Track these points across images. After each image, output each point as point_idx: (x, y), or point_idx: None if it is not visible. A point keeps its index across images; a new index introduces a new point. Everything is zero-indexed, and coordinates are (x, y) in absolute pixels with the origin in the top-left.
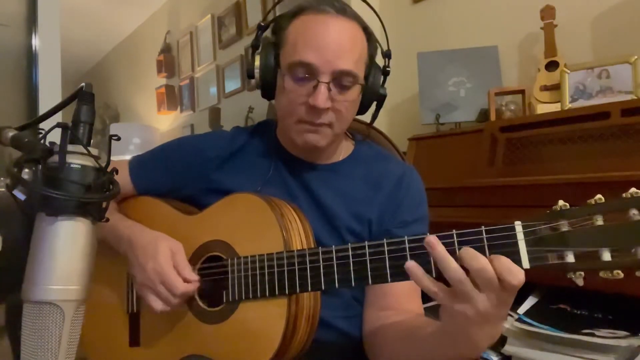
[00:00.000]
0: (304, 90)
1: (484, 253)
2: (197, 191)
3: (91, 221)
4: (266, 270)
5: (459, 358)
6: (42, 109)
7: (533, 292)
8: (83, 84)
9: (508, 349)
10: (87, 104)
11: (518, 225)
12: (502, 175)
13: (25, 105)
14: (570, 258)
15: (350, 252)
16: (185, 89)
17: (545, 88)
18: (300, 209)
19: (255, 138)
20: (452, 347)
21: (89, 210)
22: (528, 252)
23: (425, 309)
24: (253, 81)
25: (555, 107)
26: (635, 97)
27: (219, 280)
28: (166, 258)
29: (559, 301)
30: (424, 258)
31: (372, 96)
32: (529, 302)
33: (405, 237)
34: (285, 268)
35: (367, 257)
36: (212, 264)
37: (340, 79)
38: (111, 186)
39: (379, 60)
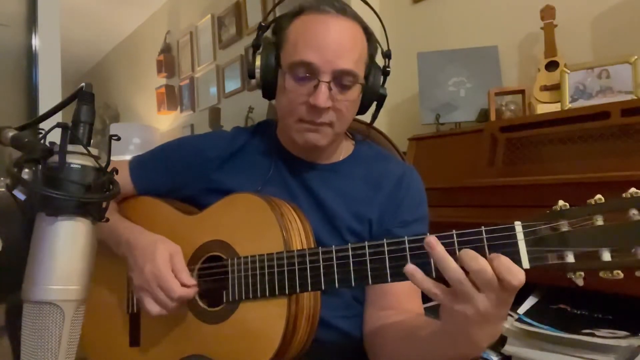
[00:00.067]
0: (304, 89)
1: (483, 253)
2: (197, 191)
3: (91, 221)
4: (266, 270)
5: (459, 358)
6: (42, 109)
7: (533, 292)
8: (83, 84)
9: (508, 349)
10: (87, 104)
11: (518, 226)
12: (502, 175)
13: (25, 105)
14: (570, 258)
15: (350, 252)
16: (185, 89)
17: (545, 88)
18: (300, 209)
19: (255, 138)
20: (452, 347)
21: (89, 210)
22: (528, 252)
23: (425, 309)
24: (253, 81)
25: (555, 107)
26: (635, 97)
27: (219, 280)
28: (164, 261)
29: (559, 301)
30: (424, 258)
31: (372, 96)
32: (529, 302)
33: (405, 237)
34: (285, 268)
35: (367, 257)
36: (212, 264)
37: (340, 79)
38: (111, 186)
39: (379, 61)
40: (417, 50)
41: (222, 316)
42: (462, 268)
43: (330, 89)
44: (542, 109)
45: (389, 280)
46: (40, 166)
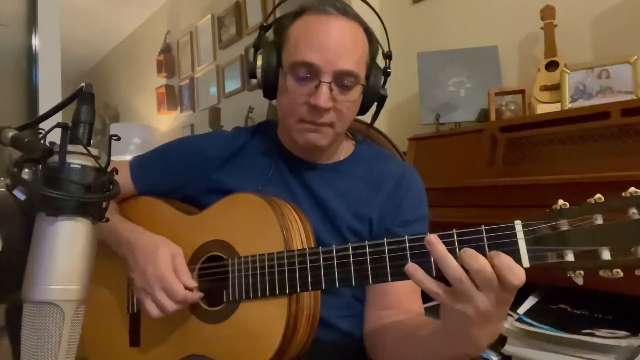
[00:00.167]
0: (305, 90)
1: (484, 252)
2: (197, 191)
3: (91, 221)
4: (266, 270)
5: (459, 357)
6: (42, 109)
7: (533, 292)
8: (83, 84)
9: (508, 349)
10: (87, 104)
11: (518, 225)
12: (502, 175)
13: (25, 105)
14: (570, 257)
15: (350, 252)
16: (185, 89)
17: (545, 88)
18: (300, 209)
19: (256, 138)
20: (452, 347)
21: (89, 210)
22: (528, 251)
23: (425, 308)
24: (254, 81)
25: (555, 107)
26: (635, 97)
27: (220, 280)
28: (166, 263)
29: (559, 301)
30: (424, 257)
31: (373, 97)
32: (529, 302)
33: (406, 236)
34: (286, 268)
35: (368, 257)
36: (212, 264)
37: (341, 79)
38: (111, 186)
39: (380, 61)
40: (417, 50)
41: (222, 316)
42: (463, 267)
43: (331, 89)
44: (542, 109)
45: (390, 279)
46: (40, 166)
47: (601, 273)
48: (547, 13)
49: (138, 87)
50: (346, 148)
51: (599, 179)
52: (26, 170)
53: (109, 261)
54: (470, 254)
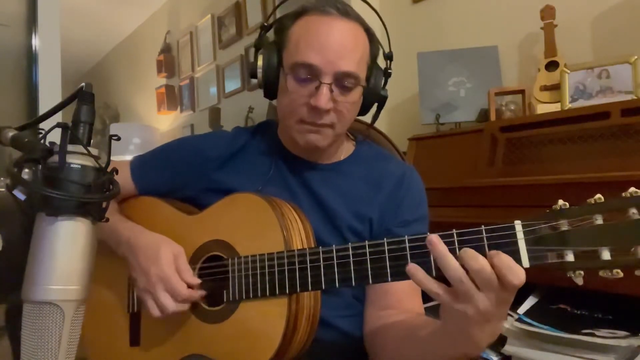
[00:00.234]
0: (305, 90)
1: (484, 252)
2: (197, 191)
3: (91, 221)
4: (267, 270)
5: (459, 357)
6: (42, 109)
7: (533, 292)
8: (83, 84)
9: (508, 349)
10: (87, 104)
11: (518, 225)
12: (502, 175)
13: (25, 105)
14: (570, 257)
15: (350, 252)
16: (185, 89)
17: (545, 88)
18: (300, 209)
19: (256, 138)
20: (452, 347)
21: (89, 210)
22: (528, 251)
23: (425, 308)
24: (254, 81)
25: (555, 107)
26: (635, 97)
27: (220, 280)
28: (169, 263)
29: (559, 301)
30: (424, 257)
31: (374, 97)
32: (529, 302)
33: (406, 236)
34: (286, 267)
35: (368, 257)
36: (212, 264)
37: (342, 81)
38: (111, 186)
39: (381, 62)
40: (417, 50)
41: (222, 316)
42: (463, 267)
43: (331, 90)
44: (542, 109)
45: (389, 279)
46: (40, 166)
47: (601, 273)
48: (547, 13)
49: (138, 87)
50: (346, 148)
51: (599, 179)
52: (26, 170)
53: (109, 261)
54: (470, 254)
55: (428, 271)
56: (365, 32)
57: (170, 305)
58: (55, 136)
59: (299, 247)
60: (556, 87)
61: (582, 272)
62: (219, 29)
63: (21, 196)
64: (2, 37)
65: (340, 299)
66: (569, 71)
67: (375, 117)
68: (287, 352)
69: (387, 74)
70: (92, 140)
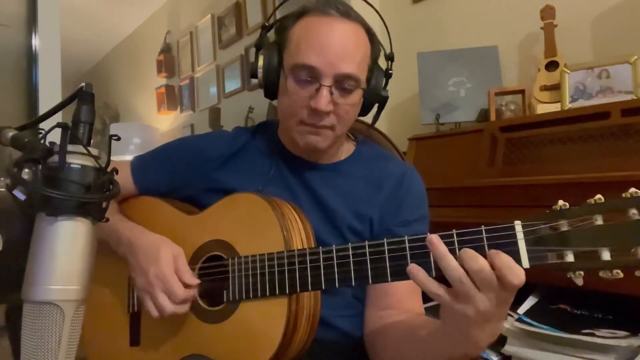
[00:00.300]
0: (306, 92)
1: (483, 253)
2: (198, 191)
3: (91, 221)
4: (267, 270)
5: (459, 357)
6: (42, 109)
7: (533, 292)
8: (83, 84)
9: (508, 349)
10: (87, 104)
11: (518, 225)
12: (502, 175)
13: (25, 105)
14: (569, 257)
15: (350, 252)
16: (185, 89)
17: (545, 88)
18: (300, 209)
19: (256, 138)
20: (452, 347)
21: (89, 210)
22: (528, 251)
23: (425, 308)
24: (254, 81)
25: (555, 107)
26: (635, 97)
27: (220, 280)
28: (168, 264)
29: (559, 301)
30: (424, 258)
31: (374, 98)
32: (529, 302)
33: (406, 236)
34: (286, 267)
35: (368, 257)
36: (212, 264)
37: (342, 83)
38: (111, 186)
39: (381, 62)
40: (417, 50)
41: (222, 316)
42: (463, 267)
43: (331, 92)
44: (542, 109)
45: (389, 279)
46: (40, 166)
47: (601, 274)
48: (547, 13)
49: (138, 87)
50: (347, 148)
51: (599, 179)
52: (26, 170)
53: (109, 261)
54: (470, 254)
55: (428, 271)
56: (366, 33)
57: (168, 306)
58: (55, 136)
59: (299, 247)
60: (556, 87)
61: (582, 273)
62: (219, 29)
63: (21, 196)
64: (2, 37)
65: (340, 299)
66: (569, 71)
67: (376, 118)
68: (287, 352)
69: (388, 75)
70: (92, 140)
